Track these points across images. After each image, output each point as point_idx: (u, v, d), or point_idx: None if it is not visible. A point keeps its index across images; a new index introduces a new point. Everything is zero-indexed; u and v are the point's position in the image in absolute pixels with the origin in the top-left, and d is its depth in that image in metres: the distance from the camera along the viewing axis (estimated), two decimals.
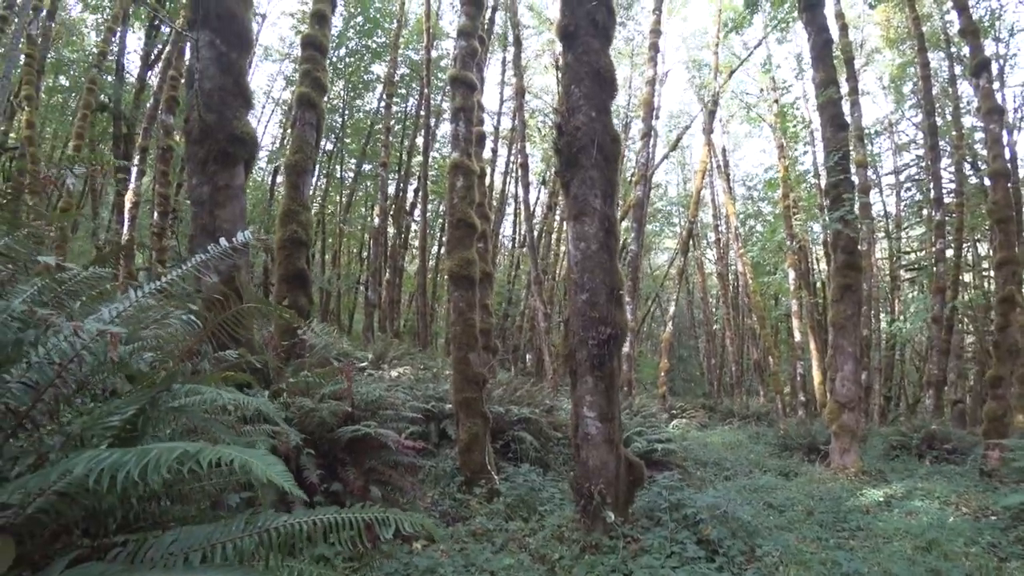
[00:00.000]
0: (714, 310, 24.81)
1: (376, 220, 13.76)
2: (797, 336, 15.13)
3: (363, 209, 18.19)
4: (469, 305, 4.82)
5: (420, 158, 14.44)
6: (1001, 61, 13.02)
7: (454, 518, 3.73)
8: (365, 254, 20.42)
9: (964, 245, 13.52)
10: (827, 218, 7.72)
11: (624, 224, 12.47)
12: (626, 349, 11.09)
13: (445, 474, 4.26)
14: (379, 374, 8.01)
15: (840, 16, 11.51)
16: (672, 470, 6.87)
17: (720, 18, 14.68)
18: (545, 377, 12.75)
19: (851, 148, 8.75)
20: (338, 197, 18.37)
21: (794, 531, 5.15)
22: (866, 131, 12.36)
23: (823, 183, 10.52)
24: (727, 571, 3.32)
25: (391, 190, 15.11)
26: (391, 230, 14.78)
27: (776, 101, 14.47)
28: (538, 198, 17.87)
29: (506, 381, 8.99)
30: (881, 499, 6.45)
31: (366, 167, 17.54)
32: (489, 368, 7.27)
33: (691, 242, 15.04)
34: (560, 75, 4.15)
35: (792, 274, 14.02)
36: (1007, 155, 10.32)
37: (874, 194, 16.62)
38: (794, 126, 12.77)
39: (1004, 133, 10.12)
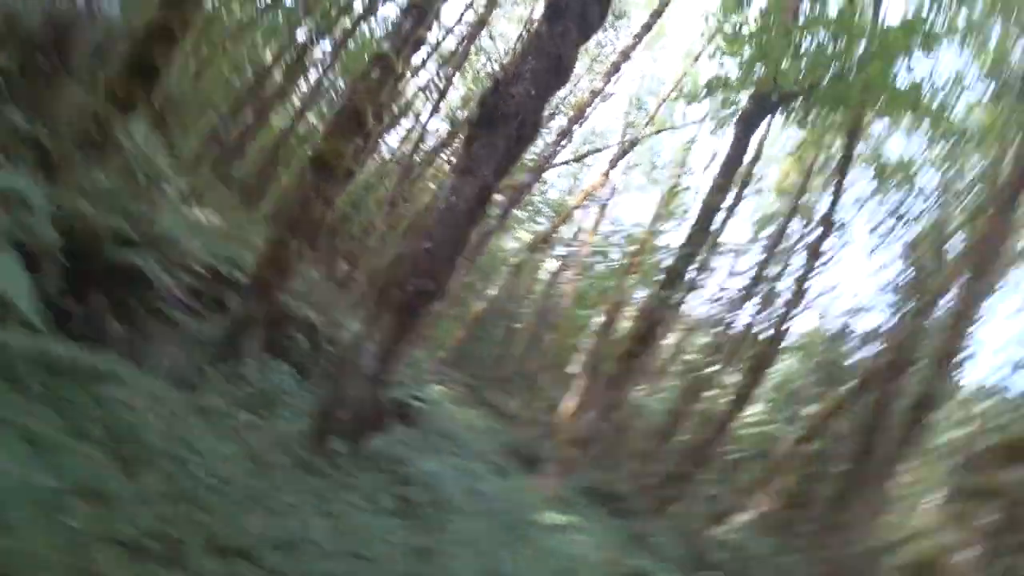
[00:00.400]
0: (522, 311, 26.43)
1: (268, 57, 11.91)
2: (576, 369, 16.86)
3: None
4: (318, 195, 4.52)
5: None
6: None
7: (189, 386, 3.49)
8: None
9: None
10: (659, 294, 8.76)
11: (499, 197, 12.68)
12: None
13: (202, 343, 3.94)
14: (186, 210, 7.04)
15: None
16: (414, 427, 7.26)
17: (679, 80, 15.62)
18: (350, 291, 12.42)
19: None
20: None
21: (493, 519, 5.80)
22: None
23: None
24: (412, 531, 3.65)
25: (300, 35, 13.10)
26: (278, 75, 12.86)
27: (677, 178, 16.07)
28: (436, 130, 17.18)
29: (313, 281, 8.56)
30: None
31: None
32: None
33: (541, 247, 16.00)
34: (524, 35, 4.06)
35: (603, 318, 15.67)
36: None
37: None
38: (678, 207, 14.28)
39: None
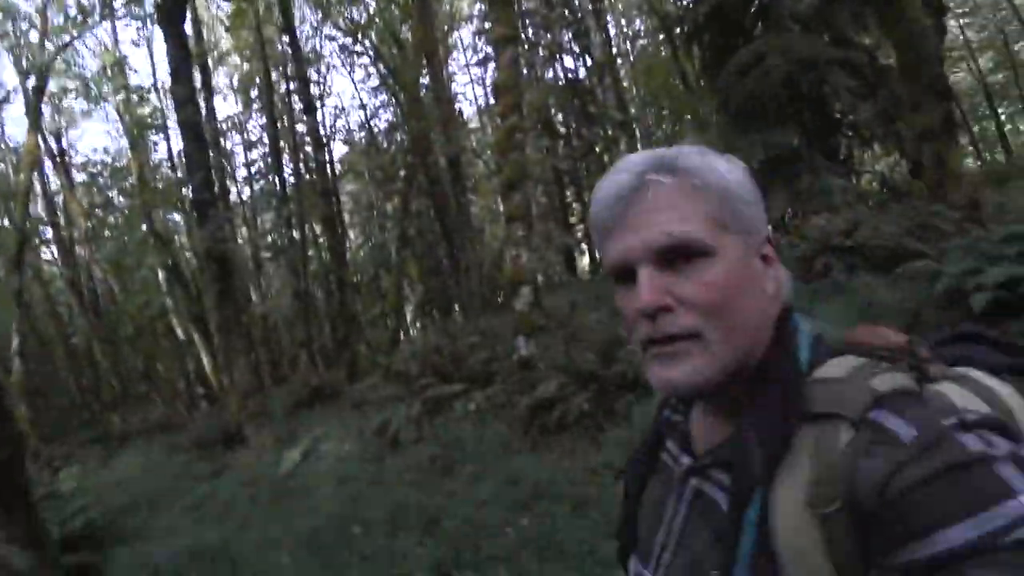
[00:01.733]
0: (68, 320, 21.08)
1: None
2: (180, 333, 15.41)
3: None
4: None
5: None
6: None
7: None
8: None
9: (306, 227, 17.27)
10: (198, 235, 8.42)
11: None
12: None
13: None
14: None
15: (196, 22, 11.74)
16: (101, 540, 6.32)
17: None
18: None
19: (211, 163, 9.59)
20: None
21: (253, 526, 6.03)
22: (219, 129, 13.45)
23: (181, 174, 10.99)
24: None
25: None
26: None
27: (125, 87, 13.29)
28: None
29: None
30: (299, 457, 8.16)
31: None
32: None
33: (21, 256, 12.15)
34: None
35: (162, 273, 13.98)
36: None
37: (230, 183, 18.58)
38: (150, 115, 12.27)
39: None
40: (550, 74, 17.41)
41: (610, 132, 12.18)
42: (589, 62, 15.76)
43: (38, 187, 14.21)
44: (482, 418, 6.63)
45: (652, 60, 19.59)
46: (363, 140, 20.85)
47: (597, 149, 15.31)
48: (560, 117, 18.07)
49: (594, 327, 6.98)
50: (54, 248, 16.96)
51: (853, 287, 4.36)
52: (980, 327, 0.74)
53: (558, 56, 17.20)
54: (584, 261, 21.65)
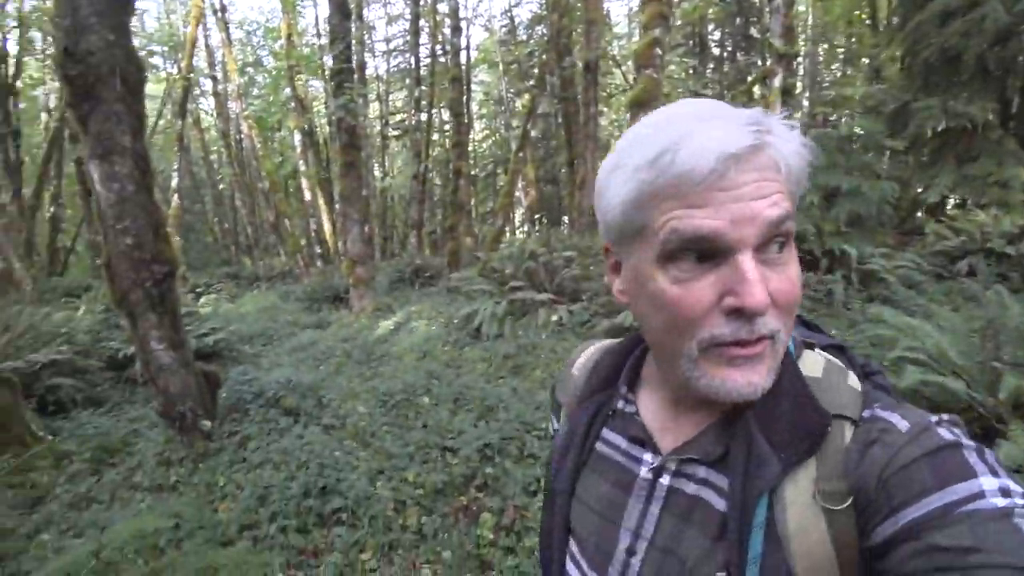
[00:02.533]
0: (218, 168, 23.88)
1: None
2: (307, 195, 16.87)
3: None
4: None
5: None
6: None
7: (32, 502, 3.56)
8: None
9: (434, 112, 17.73)
10: (333, 105, 8.97)
11: None
12: None
13: None
14: None
15: None
16: (225, 357, 7.58)
17: None
18: (15, 287, 10.28)
19: (352, 36, 9.95)
20: None
21: (341, 374, 6.97)
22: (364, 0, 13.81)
23: (324, 41, 11.54)
24: (310, 424, 4.61)
25: None
26: None
27: None
28: None
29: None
30: (392, 327, 9.04)
31: None
32: None
33: (186, 103, 13.72)
34: None
35: (298, 136, 15.15)
36: (463, 60, 13.90)
37: (368, 57, 19.18)
38: None
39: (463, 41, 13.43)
40: None
41: (768, 62, 10.92)
42: None
43: (201, 40, 15.67)
44: (561, 330, 6.91)
45: None
46: (503, 29, 20.39)
47: (749, 79, 13.83)
48: (717, 36, 16.30)
49: None
50: (211, 100, 18.91)
51: (987, 301, 3.82)
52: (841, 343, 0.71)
53: None
54: None
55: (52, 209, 15.15)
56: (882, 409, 0.57)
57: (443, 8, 15.30)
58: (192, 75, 13.98)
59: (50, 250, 15.99)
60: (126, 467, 3.96)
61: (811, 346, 0.66)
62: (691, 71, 14.36)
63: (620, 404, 0.71)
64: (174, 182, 14.24)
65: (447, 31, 14.08)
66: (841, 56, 17.03)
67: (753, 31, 13.43)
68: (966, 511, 0.46)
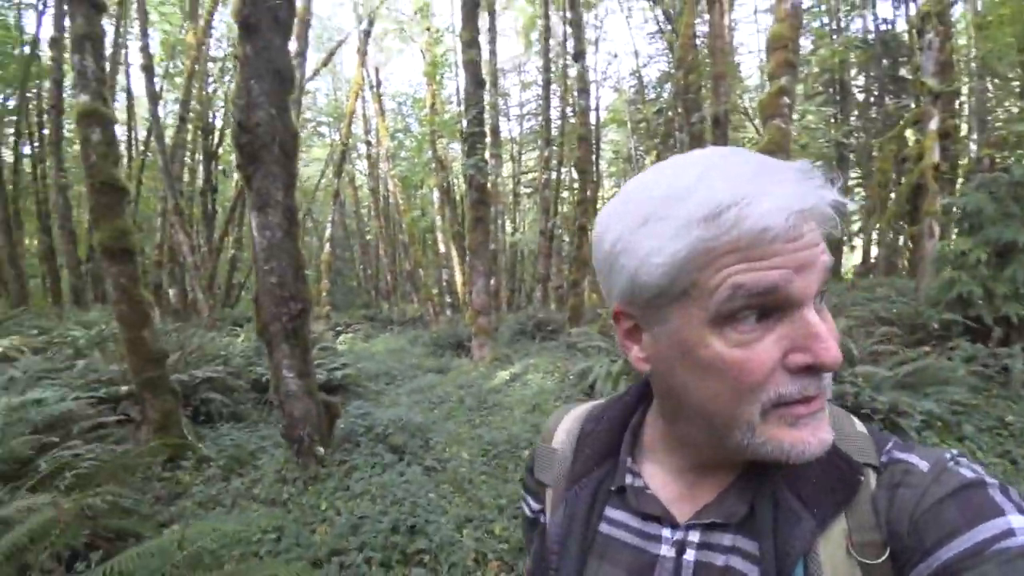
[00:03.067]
0: (367, 220, 26.65)
1: None
2: (441, 248, 18.08)
3: None
4: (132, 280, 4.66)
5: None
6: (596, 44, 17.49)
7: (172, 496, 4.09)
8: None
9: (563, 170, 18.44)
10: (464, 163, 9.71)
11: None
12: None
13: (142, 457, 4.39)
14: None
15: None
16: (350, 391, 8.19)
17: None
18: (198, 315, 12.12)
19: (486, 102, 10.82)
20: None
21: (452, 419, 7.19)
22: (499, 69, 15.08)
23: (463, 109, 12.72)
24: (413, 464, 4.79)
25: None
26: None
27: (428, 29, 15.89)
28: (163, 101, 15.21)
29: (161, 333, 8.45)
30: (508, 378, 9.18)
31: None
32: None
33: (343, 164, 15.77)
34: (239, 65, 4.06)
35: (436, 192, 16.47)
36: (592, 121, 14.53)
37: (503, 120, 20.84)
38: (443, 55, 14.46)
39: (590, 103, 14.10)
40: (857, 25, 14.54)
41: (920, 104, 9.85)
42: (912, 9, 12.72)
43: (359, 111, 17.98)
44: None
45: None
46: (631, 89, 20.83)
47: (901, 123, 12.49)
48: (861, 81, 15.07)
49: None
50: (365, 162, 21.42)
51: None
52: None
53: (871, 1, 14.18)
54: (854, 258, 18.34)
55: (232, 251, 17.86)
56: (898, 451, 0.56)
57: (573, 72, 16.10)
58: (350, 141, 16.03)
59: (227, 285, 18.69)
60: (250, 478, 4.39)
61: None
62: (832, 119, 13.28)
63: (628, 479, 0.65)
64: (328, 232, 16.13)
65: (576, 93, 14.73)
66: (1017, 89, 14.51)
67: (903, 71, 12.19)
68: (996, 550, 0.45)
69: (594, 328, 10.34)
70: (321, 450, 4.63)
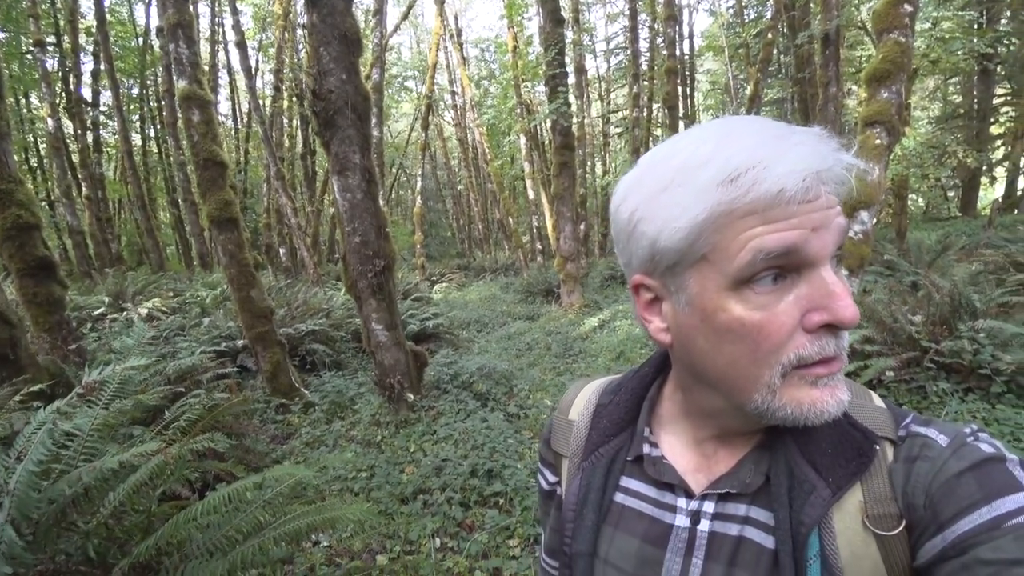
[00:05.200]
0: (457, 171, 27.04)
1: (49, 121, 11.05)
2: (531, 194, 18.00)
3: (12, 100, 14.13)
4: (238, 246, 5.13)
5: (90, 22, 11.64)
6: None
7: (284, 437, 4.61)
8: (35, 162, 16.18)
9: (654, 106, 17.43)
10: (547, 108, 9.45)
11: None
12: None
13: (259, 403, 4.97)
14: (125, 316, 7.58)
15: None
16: (442, 339, 8.59)
17: None
18: (306, 271, 13.14)
19: (568, 40, 10.36)
20: None
21: (537, 366, 7.35)
22: (582, 3, 14.20)
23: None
24: (496, 410, 5.00)
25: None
26: (68, 128, 12.07)
27: None
28: (259, 70, 16.12)
29: (272, 288, 9.31)
30: (596, 325, 9.17)
31: None
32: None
33: (429, 116, 15.90)
34: (307, 35, 4.21)
35: (523, 139, 16.27)
36: (678, 52, 13.49)
37: (589, 58, 19.81)
38: None
39: (677, 35, 13.04)
40: None
41: None
42: None
43: (443, 60, 17.84)
44: None
45: None
46: (729, 11, 18.93)
47: None
48: None
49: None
50: (451, 112, 21.42)
51: None
52: None
53: None
54: (994, 192, 15.74)
55: (332, 210, 19.00)
56: (916, 425, 0.56)
57: None
58: (434, 92, 16.05)
59: (330, 242, 19.99)
60: (349, 421, 4.83)
61: None
62: (976, 26, 11.12)
63: (645, 449, 0.66)
64: (419, 184, 16.59)
65: (664, 22, 13.66)
66: None
67: None
68: (1013, 524, 0.46)
69: None
70: (411, 396, 4.96)
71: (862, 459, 0.54)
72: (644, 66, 15.73)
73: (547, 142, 21.79)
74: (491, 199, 22.38)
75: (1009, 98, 13.28)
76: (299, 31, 14.48)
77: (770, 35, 9.74)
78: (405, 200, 28.82)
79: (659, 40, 15.46)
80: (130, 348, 3.10)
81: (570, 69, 10.39)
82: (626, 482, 0.66)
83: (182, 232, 15.63)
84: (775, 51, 10.82)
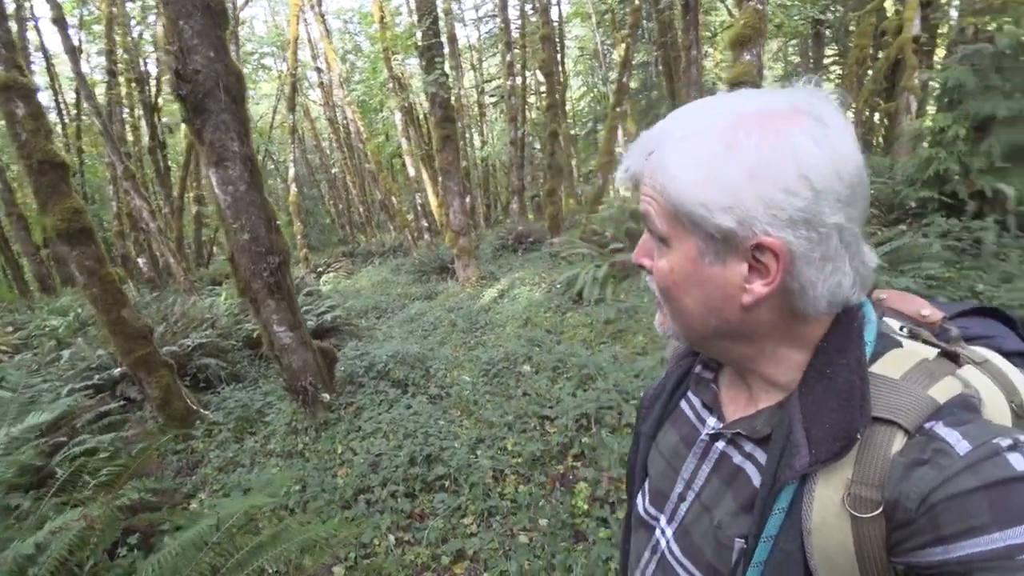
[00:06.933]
0: (329, 153, 25.63)
1: None
2: (411, 171, 17.55)
3: None
4: (97, 261, 4.48)
5: None
6: None
7: (191, 466, 4.22)
8: None
9: (528, 74, 17.55)
10: (424, 80, 9.19)
11: None
12: None
13: (153, 434, 4.48)
14: None
15: None
16: (343, 332, 8.26)
17: None
18: (174, 280, 11.91)
19: (439, 8, 10.04)
20: None
21: (447, 343, 7.33)
22: None
23: (416, 19, 11.85)
24: (417, 395, 4.94)
25: None
26: None
27: None
28: (82, 52, 13.85)
29: (139, 304, 8.35)
30: (496, 296, 9.28)
31: None
32: None
33: (295, 96, 14.76)
34: (162, 5, 3.63)
35: (398, 115, 15.72)
36: (554, 17, 13.57)
37: (459, 27, 19.37)
38: None
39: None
40: None
41: None
42: None
43: (303, 35, 16.62)
44: None
45: None
46: None
47: None
48: None
49: None
50: (318, 91, 20.08)
51: None
52: (996, 307, 0.75)
53: None
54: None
55: (196, 208, 17.24)
56: (946, 424, 0.53)
57: None
58: (298, 70, 14.88)
59: (197, 244, 18.24)
60: (262, 435, 4.53)
61: (952, 355, 0.63)
62: None
63: (698, 368, 0.79)
64: (291, 171, 15.48)
65: None
66: None
67: None
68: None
69: (575, 235, 10.33)
70: (327, 396, 4.75)
71: (847, 442, 0.55)
72: (515, 34, 15.77)
73: (422, 116, 21.31)
74: (370, 179, 21.56)
75: (837, 58, 15.28)
76: (129, 4, 12.73)
77: (637, 1, 10.19)
78: (276, 189, 26.87)
79: (529, 7, 15.55)
80: (6, 404, 2.63)
81: (443, 39, 10.12)
82: (690, 393, 0.80)
83: (8, 253, 13.35)
84: (640, 17, 11.36)
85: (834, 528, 0.54)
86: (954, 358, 0.62)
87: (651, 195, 0.62)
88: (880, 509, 0.52)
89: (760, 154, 0.53)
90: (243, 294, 4.56)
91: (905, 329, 0.67)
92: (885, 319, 0.69)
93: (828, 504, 0.55)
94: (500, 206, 25.71)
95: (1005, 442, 0.49)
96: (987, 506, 0.47)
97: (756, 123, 0.55)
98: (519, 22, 15.75)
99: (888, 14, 9.97)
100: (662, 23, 12.54)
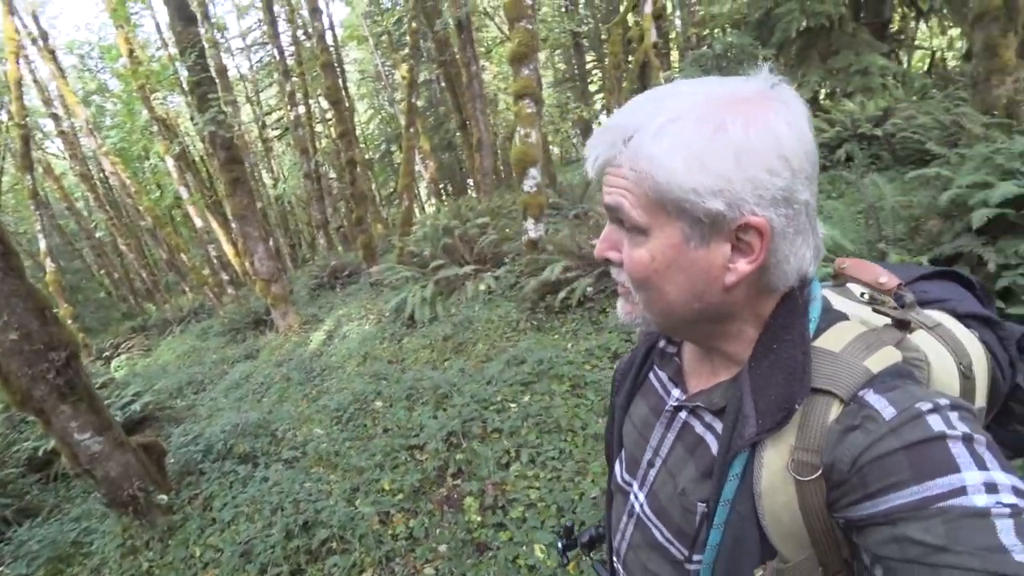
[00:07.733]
0: (88, 215, 21.92)
1: None
2: (198, 222, 15.88)
3: None
4: None
5: None
6: None
7: None
8: None
9: (311, 102, 16.81)
10: (200, 121, 8.41)
11: None
12: None
13: None
14: None
15: None
16: (159, 420, 7.26)
17: None
18: None
19: (203, 38, 9.21)
20: None
21: (287, 400, 6.86)
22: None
23: (174, 51, 10.56)
24: (270, 464, 4.58)
25: None
26: None
27: None
28: None
29: None
30: (324, 338, 8.86)
31: None
32: None
33: (29, 151, 12.22)
34: None
35: (171, 161, 14.11)
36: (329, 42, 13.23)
37: (226, 58, 17.80)
38: None
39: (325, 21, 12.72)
40: None
41: None
42: None
43: (28, 77, 13.89)
44: (492, 298, 7.02)
45: None
46: (365, 0, 19.52)
47: (621, 9, 14.03)
48: None
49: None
50: (59, 141, 16.94)
51: (863, 184, 4.26)
52: (957, 269, 0.83)
53: None
54: None
55: None
56: (876, 392, 0.58)
57: None
58: (27, 119, 12.29)
59: None
60: (88, 570, 3.82)
61: (903, 323, 0.68)
62: (564, 10, 14.39)
63: (662, 343, 0.85)
64: (42, 244, 12.94)
65: (305, 14, 13.36)
66: None
67: None
68: (942, 507, 0.49)
69: (392, 260, 10.28)
70: (163, 497, 4.18)
71: (787, 412, 0.60)
72: (291, 61, 15.13)
73: (199, 159, 19.44)
74: (148, 238, 19.01)
75: (596, 63, 17.50)
76: None
77: (413, 24, 10.49)
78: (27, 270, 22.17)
79: (300, 33, 15.01)
80: None
81: (213, 73, 9.36)
82: (656, 368, 0.86)
83: None
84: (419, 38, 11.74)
85: (780, 491, 0.60)
86: (904, 325, 0.68)
87: (625, 184, 0.61)
88: (819, 472, 0.57)
89: (747, 137, 0.56)
90: (24, 406, 3.81)
91: (866, 295, 0.75)
92: (848, 286, 0.79)
93: (775, 469, 0.60)
94: (305, 244, 24.46)
95: (926, 406, 0.54)
96: (907, 464, 0.52)
97: (735, 107, 0.57)
98: (292, 48, 15.18)
99: (631, 25, 11.69)
100: (439, 42, 13.08)
